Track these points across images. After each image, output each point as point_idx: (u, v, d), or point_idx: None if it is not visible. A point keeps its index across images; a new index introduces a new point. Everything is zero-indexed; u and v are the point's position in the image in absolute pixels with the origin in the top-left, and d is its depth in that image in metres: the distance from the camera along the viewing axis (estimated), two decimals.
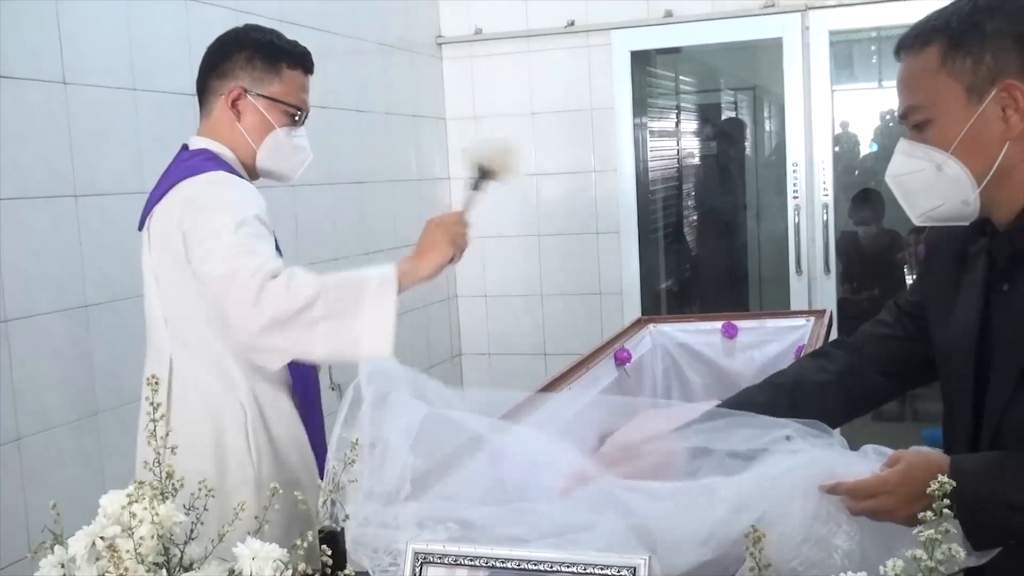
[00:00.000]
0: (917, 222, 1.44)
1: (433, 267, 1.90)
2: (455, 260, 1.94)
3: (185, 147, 2.02)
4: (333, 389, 2.01)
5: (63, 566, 1.12)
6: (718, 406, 1.57)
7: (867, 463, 1.27)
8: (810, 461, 1.27)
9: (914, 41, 1.38)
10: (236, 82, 1.98)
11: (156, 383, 1.23)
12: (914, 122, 1.39)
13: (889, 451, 1.28)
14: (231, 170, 1.95)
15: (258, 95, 1.98)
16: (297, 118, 2.03)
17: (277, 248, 1.95)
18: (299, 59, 2.03)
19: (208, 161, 1.93)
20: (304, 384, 1.99)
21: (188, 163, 1.94)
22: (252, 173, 2.04)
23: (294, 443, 1.96)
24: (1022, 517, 1.19)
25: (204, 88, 2.03)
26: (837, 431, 1.47)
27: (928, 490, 0.96)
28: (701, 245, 5.67)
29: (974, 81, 1.32)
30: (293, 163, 2.06)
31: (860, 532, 1.22)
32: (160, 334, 1.93)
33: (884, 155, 5.74)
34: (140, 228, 1.96)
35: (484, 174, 2.00)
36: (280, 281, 1.75)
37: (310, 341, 1.77)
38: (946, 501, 0.95)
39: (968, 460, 1.27)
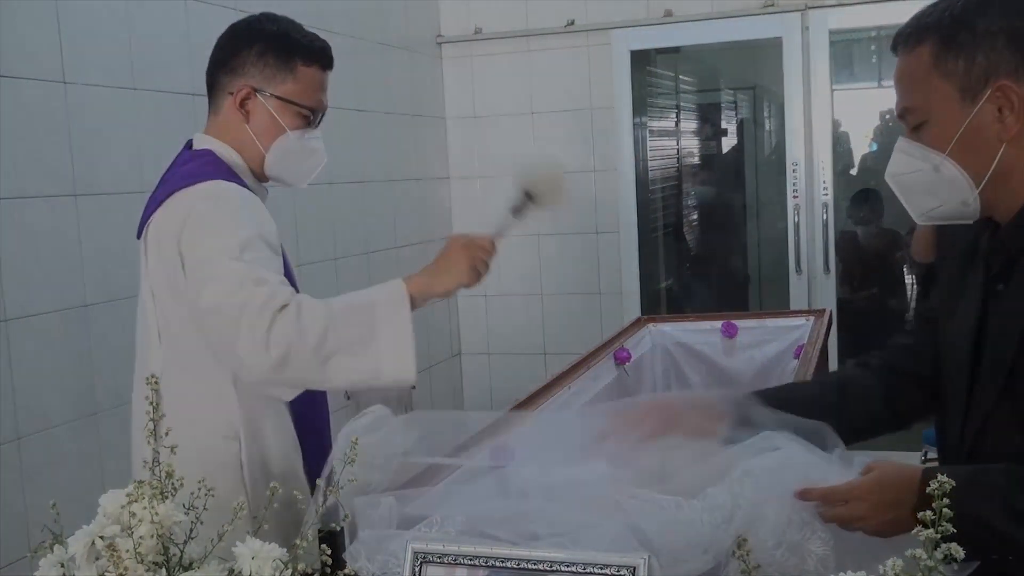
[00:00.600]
0: (919, 221, 1.43)
1: (448, 288, 1.78)
2: (471, 286, 1.81)
3: (189, 145, 1.91)
4: (348, 398, 1.94)
5: (63, 565, 1.12)
6: (759, 392, 1.55)
7: (845, 470, 1.27)
8: (785, 462, 1.27)
9: (907, 39, 1.35)
10: (246, 80, 1.84)
11: (156, 382, 1.22)
12: (910, 123, 1.37)
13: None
14: (235, 176, 1.82)
15: (269, 95, 1.83)
16: (312, 119, 1.89)
17: (287, 268, 1.83)
18: (316, 55, 1.87)
19: (210, 166, 1.81)
20: (308, 402, 1.86)
21: (188, 167, 1.82)
22: (261, 176, 1.91)
23: (289, 471, 1.82)
24: (990, 533, 1.17)
25: (213, 83, 1.89)
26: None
27: (928, 490, 0.96)
28: (701, 244, 5.68)
29: (967, 82, 1.29)
30: (304, 168, 1.93)
31: (835, 539, 1.22)
32: (153, 350, 1.81)
33: (883, 155, 5.75)
34: (138, 236, 1.84)
35: (529, 199, 1.86)
36: (289, 316, 1.63)
37: (327, 375, 1.67)
38: (946, 501, 0.95)
39: (940, 473, 1.27)
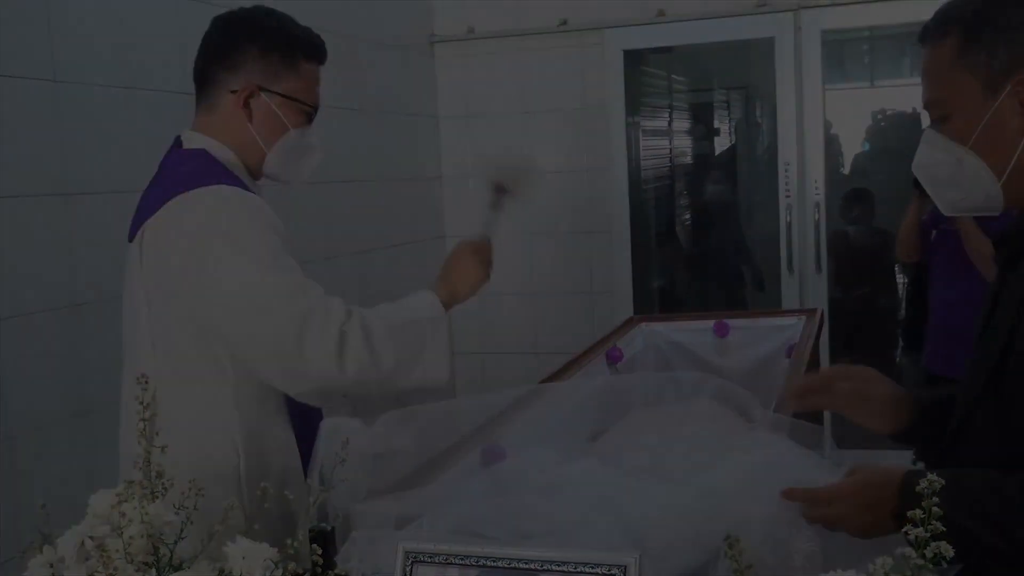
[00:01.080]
0: (946, 212, 1.44)
1: (472, 292, 1.86)
2: (486, 284, 1.90)
3: (178, 142, 1.82)
4: (345, 396, 1.92)
5: (51, 566, 1.11)
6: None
7: (833, 472, 1.28)
8: (775, 460, 1.28)
9: (933, 32, 1.36)
10: (249, 77, 1.77)
11: (147, 381, 1.22)
12: (935, 115, 1.38)
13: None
14: (233, 176, 1.75)
15: (273, 93, 1.78)
16: (312, 116, 1.86)
17: None
18: (315, 50, 1.84)
19: (207, 168, 1.74)
20: (308, 412, 1.81)
21: (184, 169, 1.74)
22: (254, 173, 1.85)
23: (291, 476, 1.76)
24: (966, 539, 1.17)
25: (207, 78, 1.80)
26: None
27: (917, 488, 0.96)
28: (693, 244, 5.69)
29: (989, 75, 1.30)
30: (303, 166, 1.89)
31: (822, 537, 1.23)
32: (146, 360, 1.71)
33: (875, 155, 5.76)
34: (130, 239, 1.76)
35: (502, 192, 1.93)
36: (357, 335, 1.64)
37: (385, 389, 1.72)
38: (935, 499, 0.95)
39: (920, 477, 1.26)
